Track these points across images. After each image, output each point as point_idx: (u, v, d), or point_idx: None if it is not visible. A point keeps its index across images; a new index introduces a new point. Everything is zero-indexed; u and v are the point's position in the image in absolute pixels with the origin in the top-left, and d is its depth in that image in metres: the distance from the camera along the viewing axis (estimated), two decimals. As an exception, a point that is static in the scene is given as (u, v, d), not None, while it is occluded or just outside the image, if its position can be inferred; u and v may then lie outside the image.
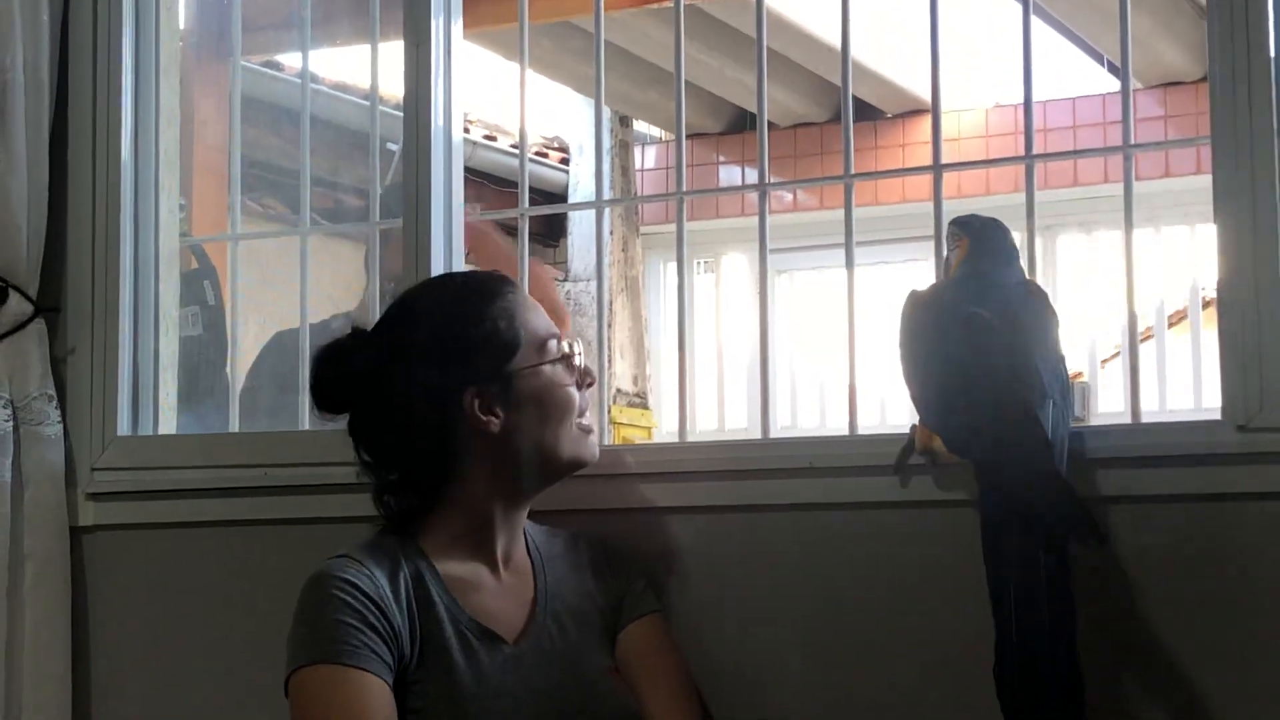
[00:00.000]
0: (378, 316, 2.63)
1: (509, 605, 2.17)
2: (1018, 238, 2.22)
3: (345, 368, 2.19)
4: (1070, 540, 1.99)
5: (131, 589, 2.74)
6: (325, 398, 2.22)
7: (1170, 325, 7.96)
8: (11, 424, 2.70)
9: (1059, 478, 1.99)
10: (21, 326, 2.73)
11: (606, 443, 2.60)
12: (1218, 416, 2.10)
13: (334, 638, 2.01)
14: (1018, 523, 2.00)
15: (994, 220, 2.20)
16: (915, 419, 2.20)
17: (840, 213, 2.43)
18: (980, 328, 2.09)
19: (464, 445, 2.14)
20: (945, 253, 2.24)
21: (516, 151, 2.72)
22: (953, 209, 2.30)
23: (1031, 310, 2.13)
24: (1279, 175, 2.08)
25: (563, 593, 2.22)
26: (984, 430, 2.05)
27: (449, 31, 2.63)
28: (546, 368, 2.17)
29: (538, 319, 2.20)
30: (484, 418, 2.13)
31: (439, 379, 2.12)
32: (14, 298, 2.72)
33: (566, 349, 2.21)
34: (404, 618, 2.07)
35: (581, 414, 2.21)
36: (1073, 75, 7.99)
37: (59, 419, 2.75)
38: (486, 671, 2.09)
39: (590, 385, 2.24)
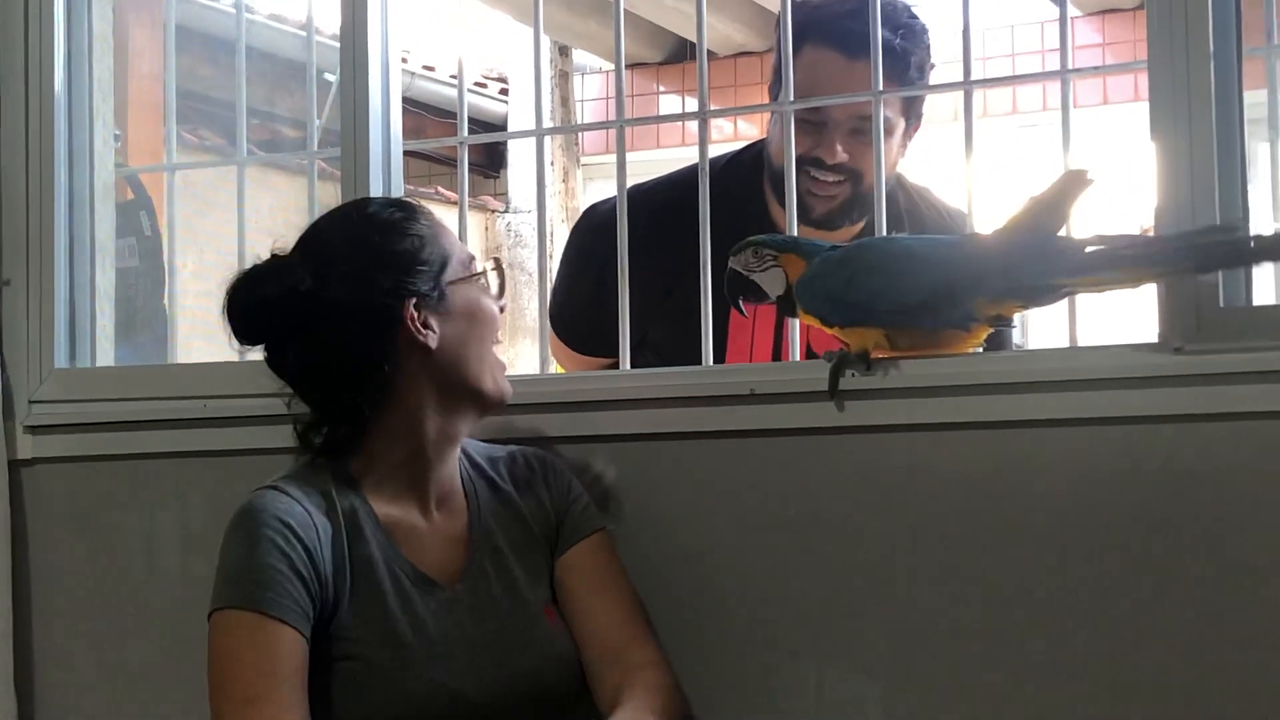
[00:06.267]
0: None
1: (444, 545, 2.16)
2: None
3: (268, 292, 2.10)
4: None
5: (71, 522, 2.73)
6: (248, 326, 2.13)
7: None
8: (-53, 357, 2.68)
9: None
10: (-45, 259, 2.70)
11: (550, 371, 2.61)
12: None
13: (259, 582, 1.98)
14: None
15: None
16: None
17: (780, 140, 2.42)
18: (900, 239, 2.25)
19: (400, 363, 2.10)
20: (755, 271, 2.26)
21: (455, 82, 2.71)
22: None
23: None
24: (1214, 101, 2.08)
25: (498, 527, 2.21)
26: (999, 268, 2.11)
27: (385, -40, 2.60)
28: (478, 280, 2.17)
29: (454, 240, 2.19)
30: (423, 331, 2.10)
31: (378, 291, 2.08)
32: (-53, 230, 2.69)
33: (490, 264, 2.21)
34: (334, 561, 2.05)
35: (496, 340, 2.20)
36: (1011, 3, 7.98)
37: (-5, 352, 2.73)
38: (422, 617, 2.08)
39: (503, 310, 2.22)
